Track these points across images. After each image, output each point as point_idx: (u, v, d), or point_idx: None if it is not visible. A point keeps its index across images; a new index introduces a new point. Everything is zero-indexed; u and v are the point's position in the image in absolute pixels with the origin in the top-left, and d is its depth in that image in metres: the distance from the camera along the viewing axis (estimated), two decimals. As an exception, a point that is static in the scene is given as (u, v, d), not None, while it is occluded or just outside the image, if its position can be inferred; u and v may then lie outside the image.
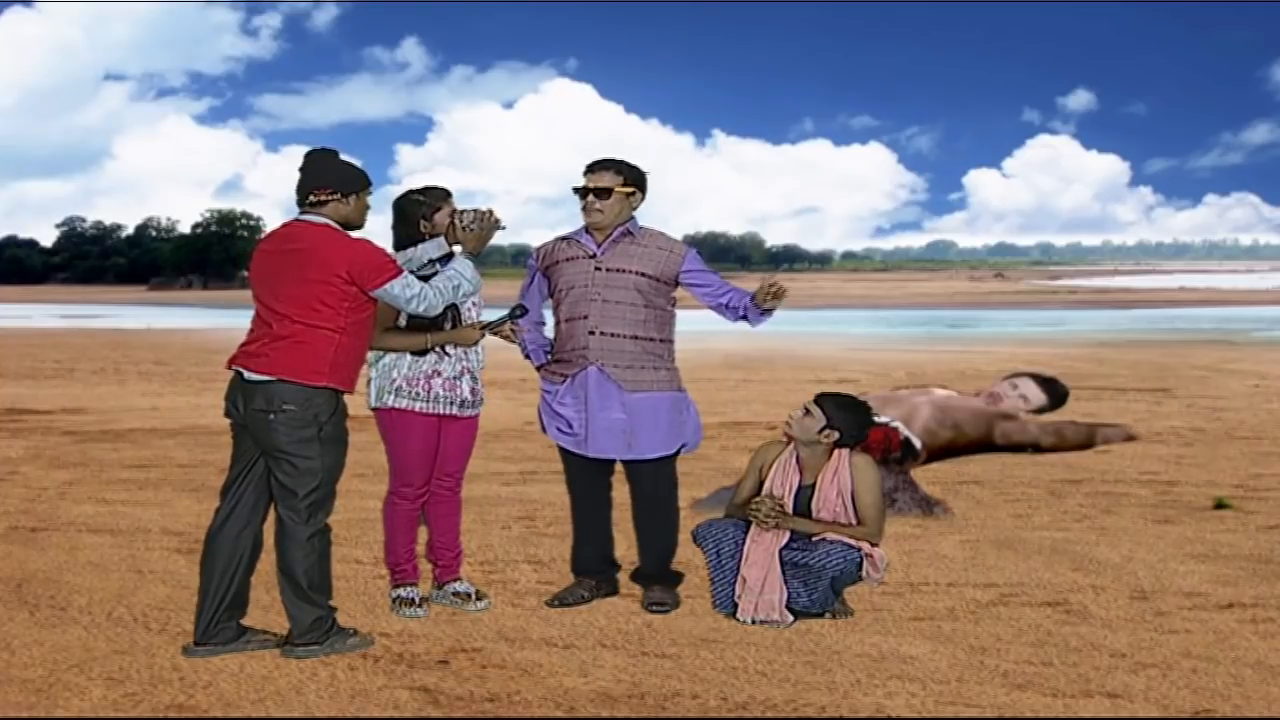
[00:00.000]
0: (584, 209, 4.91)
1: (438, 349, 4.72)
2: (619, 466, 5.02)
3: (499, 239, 4.81)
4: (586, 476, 5.03)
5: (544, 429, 5.07)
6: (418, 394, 4.71)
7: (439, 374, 4.74)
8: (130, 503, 7.14)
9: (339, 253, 4.25)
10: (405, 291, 4.35)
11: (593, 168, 4.93)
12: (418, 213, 4.78)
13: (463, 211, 4.71)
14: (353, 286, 4.27)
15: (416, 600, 4.80)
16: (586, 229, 4.95)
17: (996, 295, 61.51)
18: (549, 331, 5.10)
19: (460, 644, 4.42)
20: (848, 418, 4.88)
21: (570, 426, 4.92)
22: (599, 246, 4.92)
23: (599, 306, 4.86)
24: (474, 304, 4.84)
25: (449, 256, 4.71)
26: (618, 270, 4.88)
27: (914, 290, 72.00)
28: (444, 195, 4.84)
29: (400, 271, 4.35)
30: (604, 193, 4.88)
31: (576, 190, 4.92)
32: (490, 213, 4.69)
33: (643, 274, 4.88)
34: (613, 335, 4.85)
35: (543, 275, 5.04)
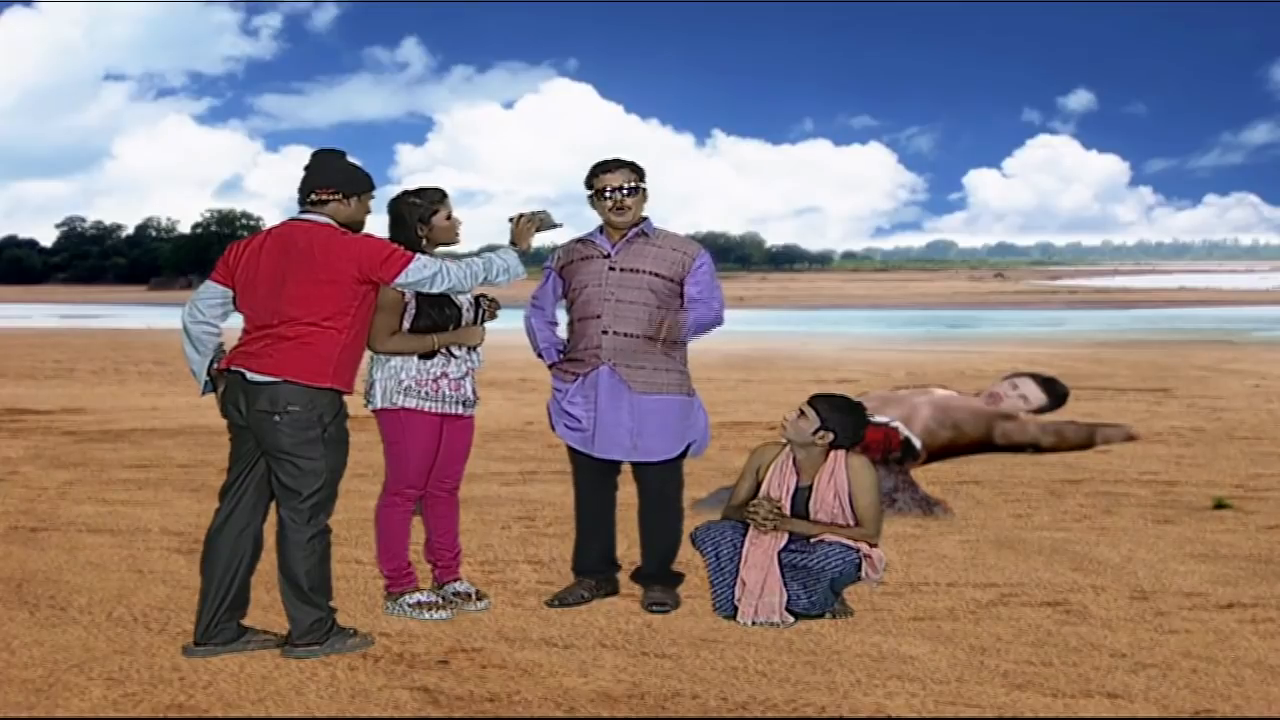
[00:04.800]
0: (611, 208, 4.89)
1: (444, 350, 4.72)
2: (626, 467, 5.02)
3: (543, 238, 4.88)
4: (594, 476, 5.03)
5: (553, 427, 5.08)
6: (427, 394, 4.71)
7: (446, 375, 4.74)
8: (130, 503, 7.14)
9: (346, 251, 4.26)
10: (425, 272, 4.36)
11: (610, 166, 4.92)
12: (415, 215, 4.76)
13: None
14: (364, 285, 4.28)
15: (440, 603, 4.78)
16: (601, 229, 4.96)
17: (996, 295, 61.49)
18: (562, 332, 5.11)
19: (460, 644, 4.42)
20: (842, 419, 4.88)
21: (579, 424, 4.92)
22: (613, 246, 4.93)
23: (612, 306, 4.86)
24: (469, 305, 4.83)
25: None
26: (631, 270, 4.88)
27: (914, 290, 71.98)
28: (440, 196, 4.81)
29: (412, 256, 4.35)
30: (634, 190, 4.89)
31: (598, 191, 4.90)
32: (538, 213, 4.77)
33: (656, 274, 4.88)
34: (625, 335, 4.85)
35: (558, 276, 5.05)
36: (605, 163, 4.95)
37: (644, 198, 4.94)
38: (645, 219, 4.97)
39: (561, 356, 5.04)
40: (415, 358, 4.70)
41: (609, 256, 4.92)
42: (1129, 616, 4.81)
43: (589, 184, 4.94)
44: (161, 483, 7.82)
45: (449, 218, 4.80)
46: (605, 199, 4.89)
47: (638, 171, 4.93)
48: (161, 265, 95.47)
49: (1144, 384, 14.74)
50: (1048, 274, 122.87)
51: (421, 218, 4.75)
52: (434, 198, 4.79)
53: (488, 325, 4.87)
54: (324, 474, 4.27)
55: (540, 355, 5.12)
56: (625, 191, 4.88)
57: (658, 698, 3.90)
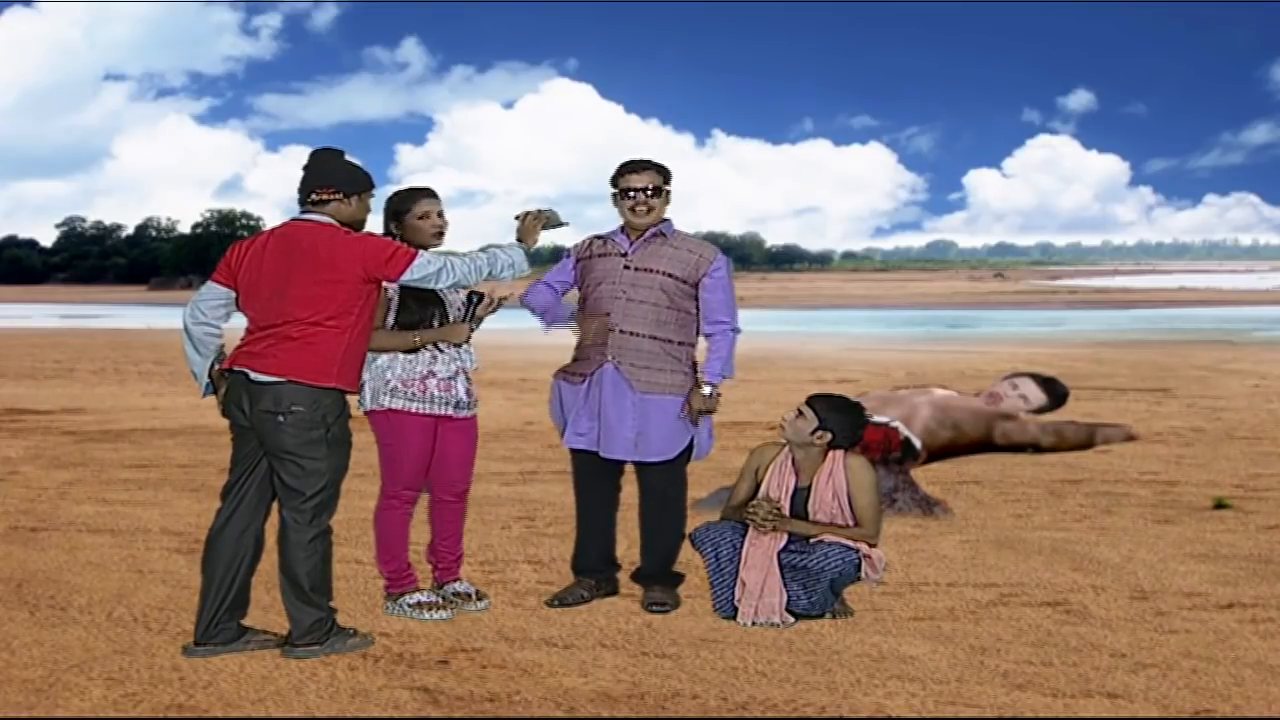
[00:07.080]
0: (632, 208, 4.91)
1: (428, 347, 4.70)
2: (629, 467, 5.03)
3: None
4: (596, 476, 5.03)
5: (556, 424, 5.10)
6: (414, 394, 4.68)
7: (434, 374, 4.71)
8: (130, 503, 7.14)
9: (350, 250, 4.26)
10: (430, 268, 4.36)
11: (636, 167, 4.94)
12: (388, 209, 4.73)
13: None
14: (368, 284, 4.28)
15: (440, 603, 4.77)
16: (622, 228, 4.97)
17: (996, 295, 61.46)
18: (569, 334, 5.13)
19: (460, 644, 4.42)
20: (840, 419, 4.88)
21: (585, 426, 4.92)
22: (631, 244, 4.94)
23: (623, 304, 4.88)
24: (462, 302, 4.81)
25: None
26: (646, 269, 4.90)
27: (914, 290, 71.96)
28: (416, 195, 4.76)
29: (416, 253, 4.35)
30: (657, 191, 4.91)
31: (623, 191, 4.92)
32: (545, 211, 4.77)
33: (670, 275, 4.89)
34: (632, 334, 4.86)
35: (574, 268, 5.07)
36: (632, 163, 4.97)
37: (667, 200, 4.98)
38: (666, 220, 4.99)
39: (554, 324, 5.07)
40: (400, 356, 4.67)
41: (626, 255, 4.93)
42: (1129, 616, 4.81)
43: (614, 182, 4.97)
44: (161, 483, 7.83)
45: (423, 217, 4.72)
46: (628, 198, 4.91)
47: (663, 174, 4.96)
48: (161, 265, 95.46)
49: (1144, 384, 14.74)
50: (1048, 274, 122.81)
51: (396, 213, 4.73)
52: (408, 196, 4.76)
53: (485, 323, 4.84)
54: (327, 474, 4.26)
55: (542, 318, 5.11)
56: (649, 193, 4.90)
57: (658, 698, 3.90)
